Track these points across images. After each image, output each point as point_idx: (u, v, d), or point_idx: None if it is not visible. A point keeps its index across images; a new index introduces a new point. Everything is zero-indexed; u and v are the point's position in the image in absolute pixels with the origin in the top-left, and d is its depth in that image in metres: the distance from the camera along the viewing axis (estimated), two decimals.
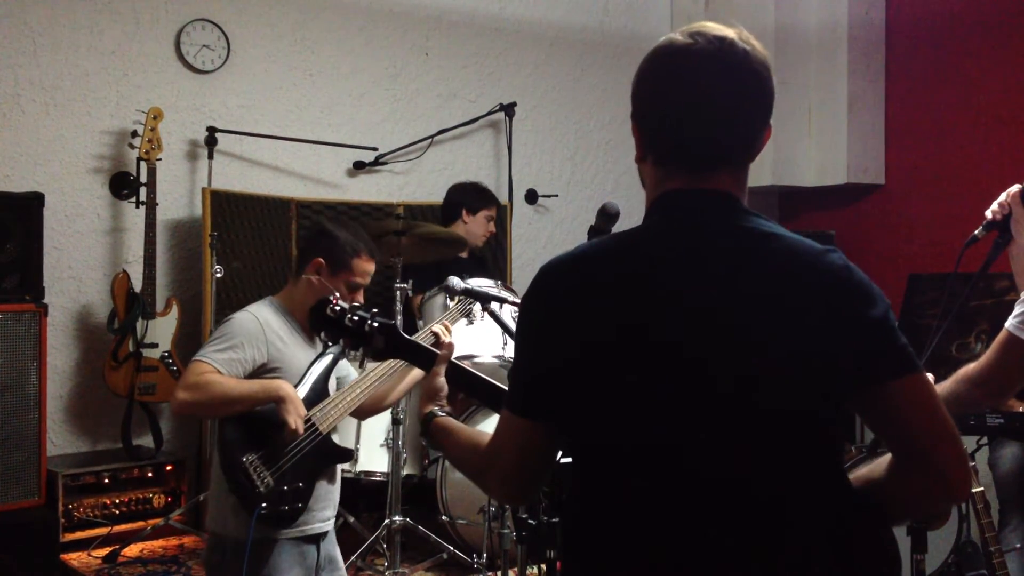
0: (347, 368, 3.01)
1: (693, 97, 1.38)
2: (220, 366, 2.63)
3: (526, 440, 1.45)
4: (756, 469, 1.32)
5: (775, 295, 1.33)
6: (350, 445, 4.03)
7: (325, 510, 2.81)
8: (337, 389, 2.87)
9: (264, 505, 2.60)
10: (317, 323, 1.91)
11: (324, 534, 2.81)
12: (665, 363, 1.33)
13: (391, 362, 2.86)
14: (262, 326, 2.73)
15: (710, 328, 1.32)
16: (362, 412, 3.02)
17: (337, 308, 1.88)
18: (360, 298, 2.87)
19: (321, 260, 2.82)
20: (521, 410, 1.44)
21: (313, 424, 2.73)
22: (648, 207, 1.45)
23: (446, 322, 3.14)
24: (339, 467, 2.89)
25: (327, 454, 2.79)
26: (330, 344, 2.90)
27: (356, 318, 1.87)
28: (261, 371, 2.71)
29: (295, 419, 2.63)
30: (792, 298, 1.33)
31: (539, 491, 1.52)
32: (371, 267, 2.89)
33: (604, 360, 1.35)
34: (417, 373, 2.95)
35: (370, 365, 2.99)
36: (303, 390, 2.74)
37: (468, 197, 4.82)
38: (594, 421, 1.38)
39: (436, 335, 3.00)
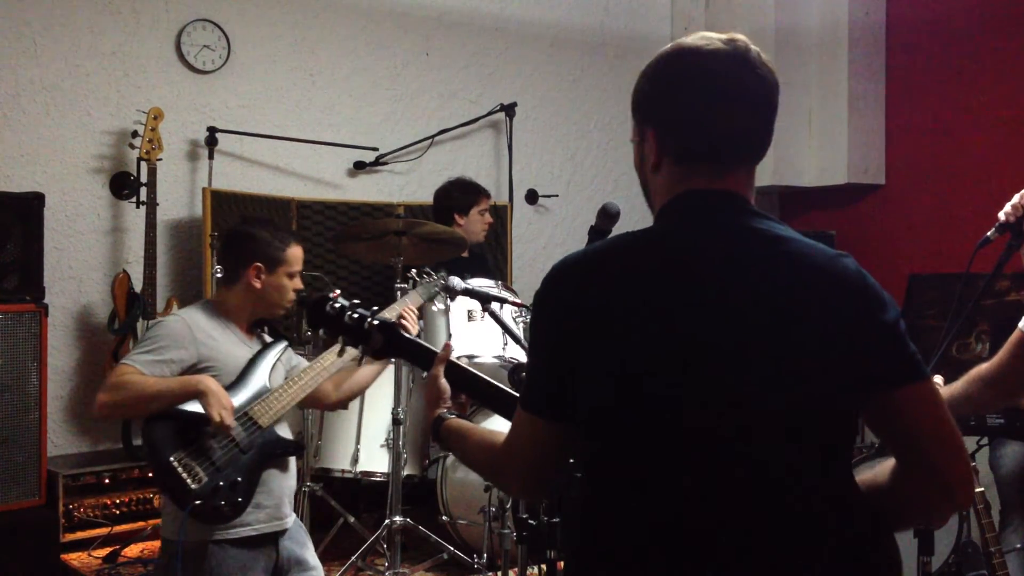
0: (296, 359, 3.01)
1: (719, 94, 1.39)
2: (143, 367, 2.64)
3: (543, 440, 1.44)
4: (766, 469, 1.32)
5: (789, 298, 1.33)
6: (350, 445, 4.03)
7: (280, 507, 2.77)
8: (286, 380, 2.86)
9: (198, 502, 2.56)
10: (315, 320, 1.88)
11: (283, 532, 2.78)
12: (681, 360, 1.33)
13: (338, 353, 2.77)
14: (190, 327, 2.74)
15: (725, 327, 1.32)
16: (341, 401, 3.04)
17: (336, 305, 1.86)
18: (299, 283, 2.91)
19: (259, 264, 2.82)
20: (538, 410, 1.44)
21: (250, 417, 2.72)
22: (663, 207, 1.44)
23: (410, 305, 3.14)
24: (292, 462, 2.86)
25: (272, 447, 2.76)
26: (272, 341, 2.90)
27: (356, 316, 1.85)
28: (194, 371, 2.70)
29: (218, 411, 2.60)
30: (806, 302, 1.33)
31: (554, 485, 1.51)
32: (301, 252, 2.92)
33: (619, 358, 1.34)
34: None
35: (327, 356, 2.93)
36: (242, 385, 2.73)
37: (454, 199, 4.71)
38: (611, 417, 1.37)
39: (401, 315, 3.01)
